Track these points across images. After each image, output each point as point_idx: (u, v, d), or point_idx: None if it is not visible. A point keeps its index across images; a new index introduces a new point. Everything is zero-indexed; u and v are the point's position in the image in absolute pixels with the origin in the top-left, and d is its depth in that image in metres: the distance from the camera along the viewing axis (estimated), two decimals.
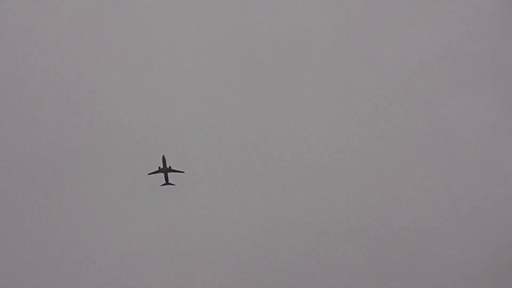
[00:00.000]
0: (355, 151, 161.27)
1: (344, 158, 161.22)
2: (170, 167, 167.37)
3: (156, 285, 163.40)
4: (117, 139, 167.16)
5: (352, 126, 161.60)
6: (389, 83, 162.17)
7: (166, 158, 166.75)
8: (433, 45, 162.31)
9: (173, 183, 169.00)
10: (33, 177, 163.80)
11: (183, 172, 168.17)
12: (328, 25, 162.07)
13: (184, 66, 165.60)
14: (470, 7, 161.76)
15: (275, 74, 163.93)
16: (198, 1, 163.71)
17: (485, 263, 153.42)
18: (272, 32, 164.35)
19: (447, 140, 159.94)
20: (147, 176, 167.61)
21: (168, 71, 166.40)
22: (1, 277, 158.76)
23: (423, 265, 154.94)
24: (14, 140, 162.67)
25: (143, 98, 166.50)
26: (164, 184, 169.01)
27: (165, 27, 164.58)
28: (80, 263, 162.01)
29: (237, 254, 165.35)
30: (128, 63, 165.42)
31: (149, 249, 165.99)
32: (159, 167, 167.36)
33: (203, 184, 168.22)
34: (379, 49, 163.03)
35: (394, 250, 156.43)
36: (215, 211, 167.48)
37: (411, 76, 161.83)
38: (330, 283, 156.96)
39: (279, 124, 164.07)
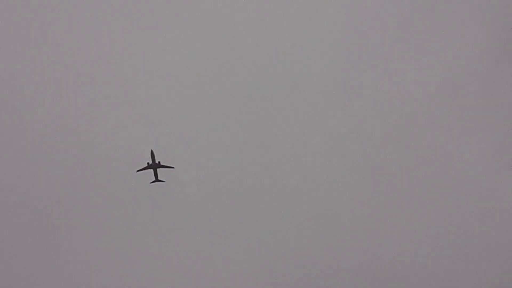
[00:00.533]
0: (354, 191, 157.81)
1: (343, 198, 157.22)
2: (159, 162, 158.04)
3: None
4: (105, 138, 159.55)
5: (350, 167, 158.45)
6: (386, 121, 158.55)
7: (154, 153, 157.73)
8: (429, 84, 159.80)
9: (163, 180, 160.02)
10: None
11: (173, 167, 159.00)
12: (327, 65, 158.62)
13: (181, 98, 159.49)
14: (465, 45, 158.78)
15: (276, 110, 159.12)
16: (197, 38, 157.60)
17: None
18: (274, 69, 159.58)
19: (444, 177, 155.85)
20: (135, 173, 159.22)
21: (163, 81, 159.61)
22: None
23: None
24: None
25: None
26: (153, 181, 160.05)
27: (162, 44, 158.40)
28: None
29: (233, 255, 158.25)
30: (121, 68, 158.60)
31: (139, 251, 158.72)
32: (148, 163, 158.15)
33: (195, 182, 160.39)
34: (376, 88, 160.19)
35: None
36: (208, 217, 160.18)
37: (407, 115, 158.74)
38: None
39: (279, 163, 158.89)
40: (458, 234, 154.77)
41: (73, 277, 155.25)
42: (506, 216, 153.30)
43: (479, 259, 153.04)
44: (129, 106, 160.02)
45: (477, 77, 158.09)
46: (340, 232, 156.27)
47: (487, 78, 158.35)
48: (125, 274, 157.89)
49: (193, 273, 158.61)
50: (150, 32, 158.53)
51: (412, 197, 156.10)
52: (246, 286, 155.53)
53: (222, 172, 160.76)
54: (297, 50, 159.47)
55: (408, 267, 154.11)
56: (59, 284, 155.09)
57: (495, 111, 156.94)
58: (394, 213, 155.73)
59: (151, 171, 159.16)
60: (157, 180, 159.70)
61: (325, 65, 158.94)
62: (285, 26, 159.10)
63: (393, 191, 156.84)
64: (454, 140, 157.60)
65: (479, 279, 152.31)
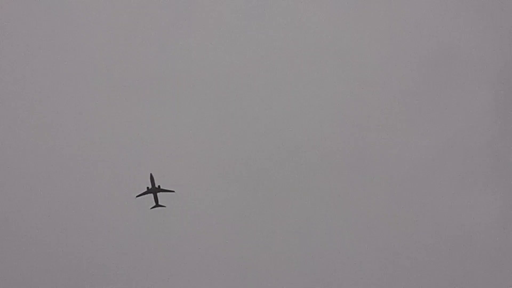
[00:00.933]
0: (360, 248, 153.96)
1: (349, 252, 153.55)
2: (159, 186, 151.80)
3: None
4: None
5: (357, 222, 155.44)
6: (394, 181, 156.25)
7: (154, 177, 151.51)
8: (436, 141, 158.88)
9: (164, 205, 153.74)
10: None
11: (173, 191, 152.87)
12: (333, 128, 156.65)
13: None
14: (470, 104, 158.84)
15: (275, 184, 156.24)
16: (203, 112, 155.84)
17: None
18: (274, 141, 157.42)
19: (452, 234, 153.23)
20: (135, 199, 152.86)
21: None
22: None
23: None
24: None
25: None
26: (154, 207, 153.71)
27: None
28: None
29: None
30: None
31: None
32: (148, 188, 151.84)
33: (197, 207, 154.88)
34: (384, 146, 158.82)
35: None
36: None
37: (415, 173, 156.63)
38: None
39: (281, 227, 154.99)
40: None
41: None
42: None
43: None
44: (127, 127, 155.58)
45: (485, 137, 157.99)
46: None
47: (494, 137, 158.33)
48: None
49: None
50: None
51: (422, 256, 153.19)
52: None
53: (225, 195, 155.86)
54: (300, 120, 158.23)
55: None
56: None
57: (503, 170, 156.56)
58: (403, 277, 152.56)
59: (152, 196, 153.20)
60: (157, 205, 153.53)
61: (328, 132, 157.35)
62: (287, 100, 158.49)
63: (401, 249, 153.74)
64: (463, 200, 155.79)
65: None
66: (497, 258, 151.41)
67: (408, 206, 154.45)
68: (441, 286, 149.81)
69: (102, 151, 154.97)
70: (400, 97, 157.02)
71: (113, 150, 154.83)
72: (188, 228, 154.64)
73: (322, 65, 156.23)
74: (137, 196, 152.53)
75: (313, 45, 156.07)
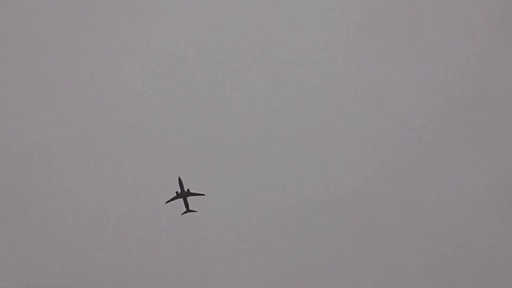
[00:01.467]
0: None
1: None
2: (188, 190, 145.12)
3: None
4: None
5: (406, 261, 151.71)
6: (441, 221, 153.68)
7: (182, 180, 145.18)
8: (481, 181, 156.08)
9: (195, 210, 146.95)
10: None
11: (203, 194, 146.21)
12: (366, 183, 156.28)
13: None
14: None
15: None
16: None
17: None
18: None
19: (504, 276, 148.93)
20: (164, 205, 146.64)
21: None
22: None
23: None
24: None
25: None
26: (185, 212, 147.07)
27: None
28: None
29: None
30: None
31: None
32: (177, 192, 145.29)
33: (229, 211, 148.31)
34: (428, 187, 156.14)
35: None
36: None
37: (460, 213, 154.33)
38: None
39: None
40: None
41: None
42: None
43: None
44: (148, 130, 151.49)
45: None
46: None
47: None
48: None
49: None
50: None
51: None
52: None
53: (258, 196, 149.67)
54: (344, 166, 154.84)
55: None
56: None
57: None
58: None
59: (181, 201, 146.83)
60: (188, 210, 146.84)
61: (372, 175, 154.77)
62: (326, 146, 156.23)
63: None
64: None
65: None
66: None
67: (456, 246, 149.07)
68: None
69: (129, 157, 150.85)
70: (442, 136, 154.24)
71: (140, 156, 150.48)
72: (220, 233, 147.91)
73: (358, 108, 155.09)
74: (166, 202, 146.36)
75: (348, 87, 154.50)
